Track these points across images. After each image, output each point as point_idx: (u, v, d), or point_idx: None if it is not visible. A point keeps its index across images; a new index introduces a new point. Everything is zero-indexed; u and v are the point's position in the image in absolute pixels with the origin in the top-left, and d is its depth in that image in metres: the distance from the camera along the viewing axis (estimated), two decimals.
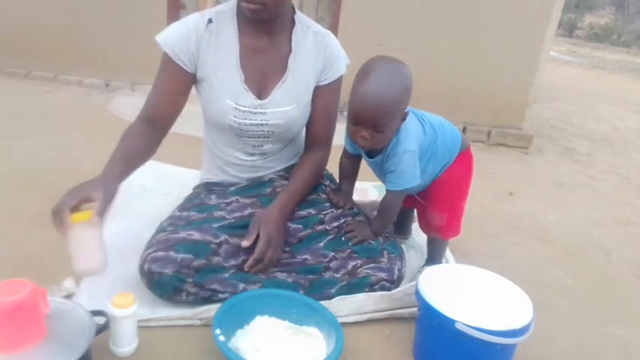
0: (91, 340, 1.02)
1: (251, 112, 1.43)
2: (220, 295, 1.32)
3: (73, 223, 1.08)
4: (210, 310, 1.27)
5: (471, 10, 3.24)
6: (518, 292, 1.28)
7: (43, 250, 1.54)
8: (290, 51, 1.45)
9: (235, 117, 1.42)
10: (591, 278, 1.86)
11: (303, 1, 3.60)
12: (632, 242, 2.23)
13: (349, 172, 1.61)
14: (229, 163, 1.56)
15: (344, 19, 3.32)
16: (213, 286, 1.31)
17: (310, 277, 1.38)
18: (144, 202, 1.82)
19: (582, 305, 1.68)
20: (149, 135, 1.39)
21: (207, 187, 1.57)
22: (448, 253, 1.71)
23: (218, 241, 1.34)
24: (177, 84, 1.40)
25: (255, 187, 1.54)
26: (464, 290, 1.29)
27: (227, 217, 1.42)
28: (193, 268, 1.28)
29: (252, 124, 1.44)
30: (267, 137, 1.50)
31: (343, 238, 1.46)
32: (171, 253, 1.27)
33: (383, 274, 1.40)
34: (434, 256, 1.63)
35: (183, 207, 1.50)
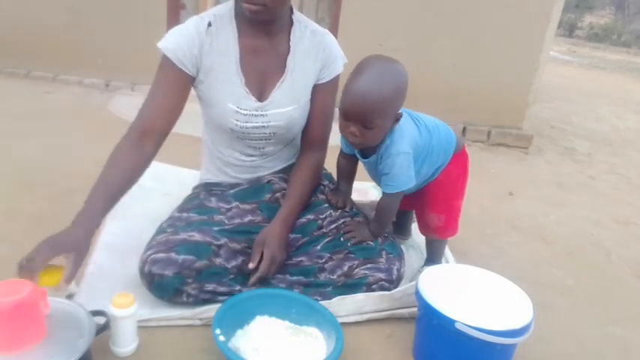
0: (91, 340, 1.02)
1: (252, 114, 1.43)
2: (220, 297, 1.32)
3: (41, 286, 1.05)
4: (210, 310, 1.27)
5: (471, 10, 3.24)
6: (518, 292, 1.28)
7: None
8: (288, 51, 1.45)
9: (237, 120, 1.42)
10: (591, 278, 1.86)
11: (303, 2, 3.60)
12: (632, 242, 2.23)
13: (347, 172, 1.61)
14: (229, 163, 1.55)
15: (344, 19, 3.32)
16: (213, 288, 1.31)
17: (304, 280, 1.39)
18: (144, 202, 1.82)
19: (582, 305, 1.68)
20: (140, 155, 1.31)
21: (207, 188, 1.57)
22: (448, 253, 1.71)
23: (219, 243, 1.34)
24: (178, 90, 1.37)
25: (254, 192, 1.54)
26: (464, 290, 1.29)
27: (227, 222, 1.42)
28: (194, 270, 1.28)
29: (253, 127, 1.44)
30: (269, 139, 1.50)
31: (342, 239, 1.45)
32: (172, 255, 1.27)
33: (381, 275, 1.40)
34: (433, 256, 1.64)
35: (182, 208, 1.50)
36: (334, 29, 3.23)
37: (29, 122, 2.76)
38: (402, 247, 1.63)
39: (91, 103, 3.31)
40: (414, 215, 1.79)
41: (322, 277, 1.39)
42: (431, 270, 1.35)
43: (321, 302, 1.33)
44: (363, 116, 1.30)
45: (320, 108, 1.51)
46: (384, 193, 1.47)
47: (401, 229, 1.82)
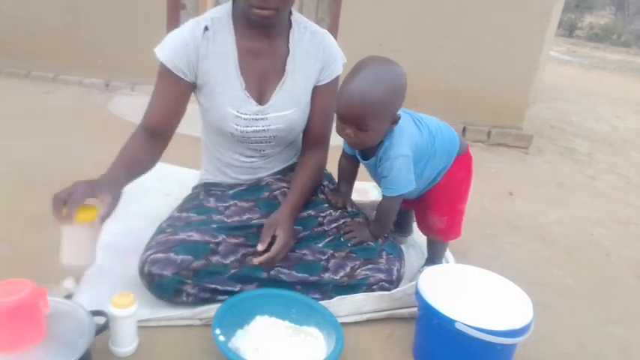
0: (91, 340, 1.02)
1: (253, 119, 1.42)
2: (219, 297, 1.32)
3: (78, 221, 1.07)
4: (210, 310, 1.27)
5: (471, 10, 3.24)
6: (518, 292, 1.28)
7: (43, 250, 1.54)
8: (288, 53, 1.44)
9: (237, 125, 1.42)
10: (591, 278, 1.86)
11: (303, 2, 3.60)
12: (632, 242, 2.23)
13: (348, 173, 1.61)
14: (228, 164, 1.55)
15: (344, 19, 3.32)
16: (212, 287, 1.31)
17: (311, 278, 1.38)
18: (144, 202, 1.82)
19: (582, 305, 1.68)
20: (151, 147, 1.38)
21: (206, 188, 1.57)
22: (448, 253, 1.71)
23: (216, 240, 1.34)
24: (176, 95, 1.39)
25: (253, 191, 1.54)
26: (464, 290, 1.29)
27: (226, 220, 1.42)
28: (193, 270, 1.28)
29: (254, 131, 1.44)
30: (269, 142, 1.50)
31: (342, 239, 1.45)
32: (171, 255, 1.27)
33: (382, 275, 1.40)
34: (434, 257, 1.63)
35: (182, 208, 1.50)
36: (334, 29, 3.23)
37: (29, 122, 2.76)
38: (402, 246, 1.63)
39: (91, 103, 3.31)
40: (414, 215, 1.79)
41: (326, 276, 1.38)
42: (431, 270, 1.35)
43: (321, 302, 1.33)
44: (357, 118, 1.28)
45: (321, 108, 1.51)
46: (383, 196, 1.46)
47: (402, 227, 1.81)
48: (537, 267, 1.89)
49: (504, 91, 3.38)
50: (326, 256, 1.41)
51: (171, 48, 1.34)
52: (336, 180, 1.66)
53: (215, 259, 1.32)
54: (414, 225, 1.81)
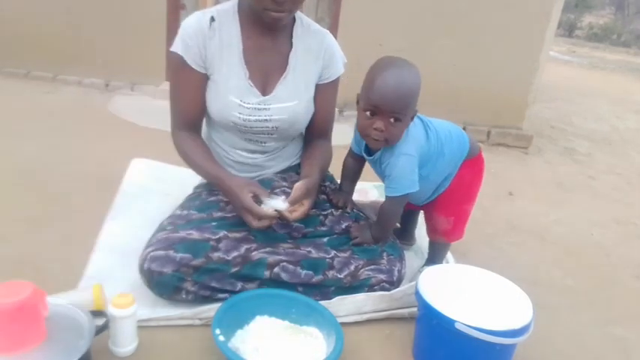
0: (91, 341, 1.02)
1: (255, 108, 1.44)
2: (219, 295, 1.32)
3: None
4: (210, 310, 1.27)
5: (471, 10, 3.24)
6: (518, 292, 1.28)
7: (43, 250, 1.55)
8: (291, 47, 1.47)
9: (240, 114, 1.43)
10: (591, 278, 1.86)
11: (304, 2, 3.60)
12: (632, 242, 2.23)
13: (352, 173, 1.61)
14: (230, 162, 1.56)
15: (344, 19, 3.32)
16: (212, 284, 1.31)
17: (314, 279, 1.37)
18: (144, 202, 1.82)
19: (582, 305, 1.68)
20: (199, 137, 1.52)
21: (208, 187, 1.57)
22: (448, 253, 1.71)
23: (217, 237, 1.34)
24: (197, 86, 1.44)
25: None
26: (464, 290, 1.30)
27: (227, 215, 1.42)
28: (192, 267, 1.28)
29: (256, 120, 1.45)
30: (271, 134, 1.50)
31: (351, 243, 1.46)
32: (171, 253, 1.28)
33: (383, 276, 1.41)
34: (435, 257, 1.63)
35: (184, 206, 1.50)
36: (334, 29, 3.23)
37: (29, 122, 2.76)
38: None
39: (91, 103, 3.31)
40: (418, 221, 1.80)
41: (330, 275, 1.38)
42: (431, 270, 1.35)
43: (321, 302, 1.33)
44: (396, 107, 1.31)
45: (323, 106, 1.55)
46: (386, 196, 1.46)
47: (405, 235, 1.80)
48: (537, 267, 1.89)
49: (504, 91, 3.38)
50: (331, 255, 1.41)
51: (183, 42, 1.38)
52: (339, 180, 1.67)
53: (216, 255, 1.31)
54: (417, 234, 1.83)
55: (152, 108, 3.13)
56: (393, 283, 1.42)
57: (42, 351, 0.98)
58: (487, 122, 3.44)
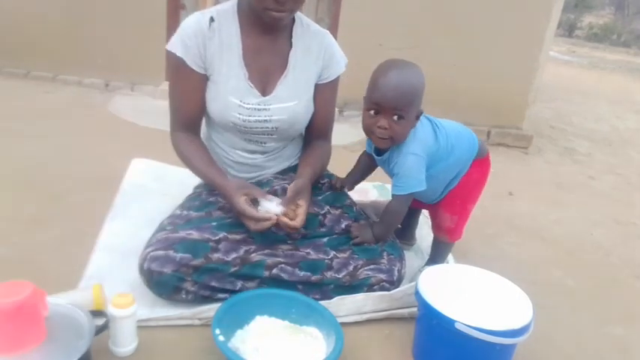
0: (91, 341, 1.02)
1: (255, 109, 1.44)
2: (219, 295, 1.32)
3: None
4: (210, 310, 1.27)
5: (470, 10, 3.24)
6: (518, 292, 1.28)
7: (43, 250, 1.55)
8: (290, 47, 1.47)
9: (240, 114, 1.43)
10: (591, 278, 1.86)
11: None
12: (632, 242, 2.23)
13: (362, 165, 1.64)
14: (230, 162, 1.56)
15: (344, 19, 3.32)
16: (212, 284, 1.31)
17: (313, 278, 1.37)
18: (144, 202, 1.82)
19: (582, 305, 1.68)
20: (198, 137, 1.51)
21: (208, 187, 1.57)
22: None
23: (217, 238, 1.34)
24: (197, 87, 1.43)
25: None
26: (464, 290, 1.30)
27: (225, 215, 1.42)
28: (192, 267, 1.28)
29: (256, 121, 1.45)
30: (271, 134, 1.50)
31: (351, 243, 1.46)
32: (171, 253, 1.28)
33: (383, 276, 1.41)
34: (436, 257, 1.63)
35: (183, 206, 1.50)
36: (334, 29, 3.23)
37: (29, 122, 2.76)
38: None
39: (91, 103, 3.31)
40: (419, 221, 1.80)
41: (329, 275, 1.38)
42: (431, 270, 1.35)
43: (321, 302, 1.33)
44: (399, 104, 1.33)
45: (324, 106, 1.55)
46: (393, 195, 1.47)
47: (405, 235, 1.80)
48: (537, 267, 1.89)
49: (504, 91, 3.38)
50: (330, 256, 1.41)
51: (181, 42, 1.38)
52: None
53: (216, 256, 1.31)
54: (417, 234, 1.83)
55: (152, 108, 3.14)
56: (393, 283, 1.42)
57: (42, 351, 0.98)
58: (487, 122, 3.44)
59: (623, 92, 6.53)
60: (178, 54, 1.38)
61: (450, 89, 3.33)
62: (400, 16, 3.29)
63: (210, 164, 1.45)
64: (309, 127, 1.58)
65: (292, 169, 1.61)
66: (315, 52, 1.49)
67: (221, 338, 1.13)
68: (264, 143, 1.53)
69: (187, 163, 1.47)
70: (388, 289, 1.40)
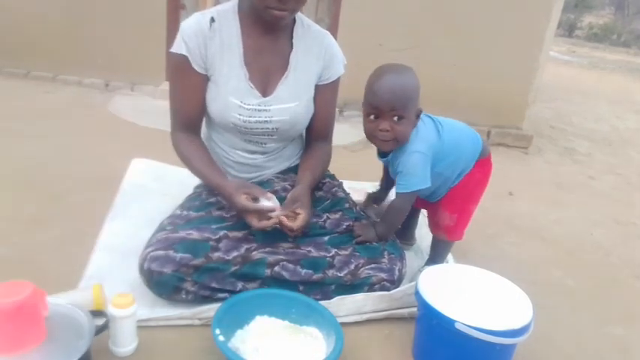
0: (91, 341, 1.02)
1: (255, 109, 1.44)
2: (219, 295, 1.32)
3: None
4: (210, 310, 1.27)
5: (470, 10, 3.24)
6: (518, 292, 1.28)
7: (43, 250, 1.55)
8: (291, 48, 1.46)
9: (240, 115, 1.43)
10: (591, 278, 1.86)
11: None
12: (632, 242, 2.23)
13: (385, 176, 1.69)
14: (230, 162, 1.56)
15: (344, 19, 3.31)
16: (212, 285, 1.31)
17: (314, 276, 1.37)
18: (144, 202, 1.82)
19: (582, 305, 1.68)
20: (196, 138, 1.50)
21: (208, 187, 1.57)
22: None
23: (217, 237, 1.34)
24: (197, 87, 1.43)
25: None
26: (464, 290, 1.29)
27: (225, 215, 1.42)
28: (192, 267, 1.28)
29: (256, 122, 1.45)
30: (272, 135, 1.50)
31: (354, 242, 1.46)
32: (171, 253, 1.28)
33: (384, 275, 1.40)
34: (436, 257, 1.63)
35: (183, 206, 1.50)
36: (334, 29, 3.23)
37: (29, 122, 2.76)
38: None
39: (91, 103, 3.31)
40: (419, 221, 1.80)
41: (330, 273, 1.38)
42: (431, 270, 1.35)
43: (320, 302, 1.33)
44: (398, 105, 1.35)
45: (324, 106, 1.55)
46: (396, 193, 1.48)
47: (405, 235, 1.80)
48: (537, 267, 1.89)
49: (504, 91, 3.38)
50: (331, 254, 1.41)
51: (184, 44, 1.38)
52: (338, 179, 1.69)
53: (216, 255, 1.31)
54: (417, 233, 1.83)
55: (152, 108, 3.13)
56: (394, 282, 1.42)
57: (42, 351, 0.98)
58: (487, 122, 3.44)
59: (623, 92, 6.53)
60: (183, 52, 1.38)
61: (450, 89, 3.33)
62: (400, 16, 3.29)
63: (210, 165, 1.45)
64: (310, 128, 1.58)
65: (293, 170, 1.61)
66: (316, 52, 1.49)
67: (221, 338, 1.13)
68: (265, 144, 1.53)
69: (187, 163, 1.47)
70: (389, 289, 1.40)
